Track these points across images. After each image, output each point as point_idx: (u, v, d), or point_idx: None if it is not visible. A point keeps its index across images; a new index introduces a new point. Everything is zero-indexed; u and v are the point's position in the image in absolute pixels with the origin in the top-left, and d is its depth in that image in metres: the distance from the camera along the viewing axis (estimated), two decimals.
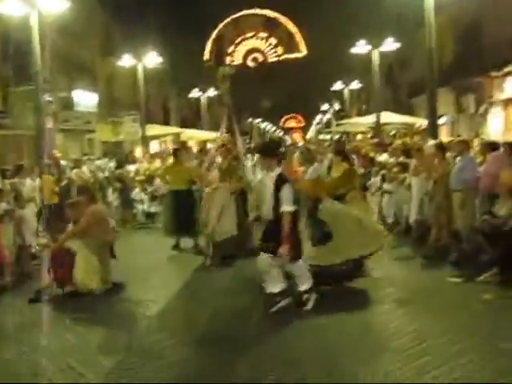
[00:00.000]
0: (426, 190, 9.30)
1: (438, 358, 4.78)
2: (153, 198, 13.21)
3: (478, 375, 4.46)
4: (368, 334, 5.56)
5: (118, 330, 5.97)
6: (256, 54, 19.48)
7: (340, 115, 47.30)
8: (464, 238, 8.21)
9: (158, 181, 13.15)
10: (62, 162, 12.80)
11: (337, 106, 47.34)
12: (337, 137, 34.24)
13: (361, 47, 23.72)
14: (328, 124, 51.90)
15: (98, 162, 14.08)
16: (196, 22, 31.78)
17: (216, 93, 36.99)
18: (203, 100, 35.89)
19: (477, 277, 7.08)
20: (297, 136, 77.04)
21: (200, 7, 30.31)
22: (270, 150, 6.46)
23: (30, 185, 9.93)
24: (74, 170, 11.79)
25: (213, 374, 4.72)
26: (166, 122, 32.30)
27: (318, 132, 62.96)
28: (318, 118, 62.70)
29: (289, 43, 18.70)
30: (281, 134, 72.14)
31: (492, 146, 8.64)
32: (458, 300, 6.46)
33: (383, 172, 11.20)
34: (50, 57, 13.60)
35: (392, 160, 11.23)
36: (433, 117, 13.75)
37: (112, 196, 12.92)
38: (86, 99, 26.35)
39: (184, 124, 34.86)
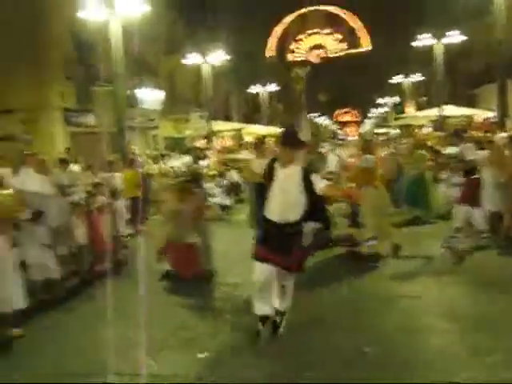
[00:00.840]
0: (498, 182, 9.55)
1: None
2: (227, 191, 13.81)
3: None
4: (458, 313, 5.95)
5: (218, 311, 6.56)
6: (319, 50, 19.72)
7: (398, 109, 47.00)
8: None
9: (229, 174, 13.75)
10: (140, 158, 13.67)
11: (396, 100, 47.02)
12: (394, 131, 34.19)
13: (423, 40, 23.69)
14: (385, 118, 51.62)
15: (177, 159, 14.80)
16: (258, 18, 32.37)
17: (276, 88, 37.67)
18: (263, 95, 36.52)
19: None
20: (351, 130, 76.90)
21: (263, 4, 30.99)
22: (297, 140, 5.32)
23: (119, 178, 10.70)
24: (155, 165, 12.54)
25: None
26: (228, 118, 33.06)
27: (375, 126, 62.61)
28: (374, 111, 62.34)
29: (352, 39, 18.95)
30: (335, 128, 72.12)
31: None
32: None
33: (452, 165, 11.44)
34: (121, 57, 14.33)
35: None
36: (502, 109, 13.76)
37: None
38: (149, 96, 27.38)
39: (244, 119, 35.55)
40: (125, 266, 9.18)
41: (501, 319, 5.57)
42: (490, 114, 24.08)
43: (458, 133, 9.42)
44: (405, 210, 10.94)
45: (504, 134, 11.24)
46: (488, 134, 12.77)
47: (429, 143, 13.23)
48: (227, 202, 13.64)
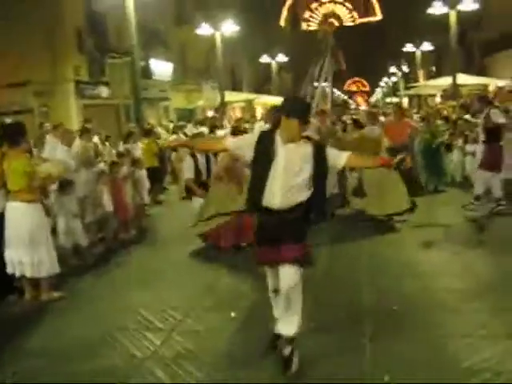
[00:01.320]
0: None
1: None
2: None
3: None
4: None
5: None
6: (332, 19, 19.73)
7: (408, 77, 46.71)
8: None
9: None
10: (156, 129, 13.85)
11: (405, 69, 46.69)
12: (404, 100, 33.96)
13: (438, 8, 23.54)
14: (396, 87, 51.31)
15: (193, 129, 14.93)
16: None
17: (285, 59, 37.51)
18: (272, 66, 36.47)
19: None
20: (360, 100, 76.50)
21: None
22: (305, 109, 4.31)
23: (140, 149, 10.91)
24: (173, 136, 12.73)
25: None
26: (239, 89, 33.07)
27: (384, 95, 62.24)
28: (385, 80, 61.91)
29: (364, 7, 18.93)
30: (345, 97, 71.74)
31: None
32: None
33: (466, 133, 11.57)
34: (135, 29, 14.41)
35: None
36: None
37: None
38: (160, 68, 27.41)
39: (255, 90, 35.52)
40: (148, 233, 9.51)
41: None
42: (502, 83, 24.05)
43: (483, 98, 9.47)
44: (421, 178, 11.08)
45: None
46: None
47: (445, 112, 13.31)
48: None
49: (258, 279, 4.97)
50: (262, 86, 38.26)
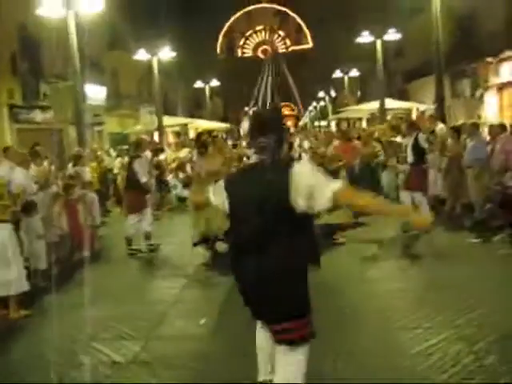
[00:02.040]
0: (440, 167, 10.67)
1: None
2: (185, 184, 14.36)
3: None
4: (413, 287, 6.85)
5: None
6: (266, 46, 20.33)
7: (336, 102, 48.67)
8: (477, 207, 9.60)
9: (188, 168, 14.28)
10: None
11: (333, 93, 48.62)
12: (332, 123, 35.36)
13: (365, 37, 25.08)
14: (324, 111, 53.21)
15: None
16: (204, 16, 32.96)
17: (217, 84, 38.28)
18: (206, 91, 37.18)
19: (493, 237, 8.42)
20: (290, 123, 78.48)
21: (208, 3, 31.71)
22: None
23: (88, 172, 11.10)
24: (118, 159, 12.98)
25: None
26: (173, 113, 33.48)
27: (312, 119, 64.20)
28: (313, 105, 63.93)
29: (296, 35, 19.78)
30: None
31: (502, 128, 9.95)
32: (479, 254, 7.79)
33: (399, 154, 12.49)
34: (76, 54, 14.59)
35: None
36: (440, 101, 14.95)
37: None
38: (94, 92, 27.35)
39: (189, 115, 36.03)
40: (103, 252, 9.71)
41: (449, 284, 6.47)
42: (423, 107, 25.75)
43: (413, 123, 10.40)
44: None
45: (442, 125, 12.39)
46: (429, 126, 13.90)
47: (375, 134, 14.26)
48: (185, 193, 14.18)
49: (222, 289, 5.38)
50: (195, 110, 38.84)
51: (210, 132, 17.46)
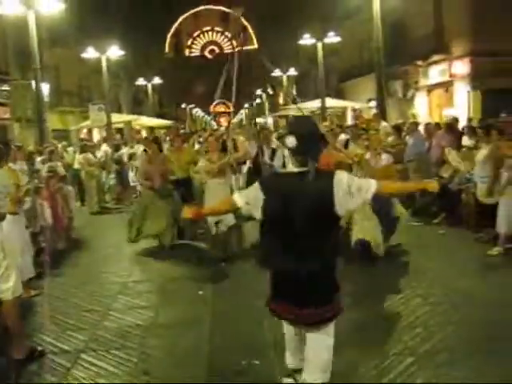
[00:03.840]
0: None
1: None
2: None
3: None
4: None
5: None
6: (213, 47, 21.19)
7: (272, 100, 50.05)
8: (417, 196, 10.94)
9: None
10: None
11: (270, 91, 49.95)
12: (269, 121, 36.57)
13: (306, 39, 26.49)
14: (260, 108, 54.49)
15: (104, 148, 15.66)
16: (152, 16, 33.43)
17: (159, 81, 38.73)
18: (149, 88, 37.67)
19: (432, 221, 9.78)
20: (223, 120, 79.40)
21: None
22: None
23: (60, 166, 11.64)
24: (82, 155, 13.54)
25: None
26: (118, 110, 33.76)
27: (252, 116, 65.25)
28: (249, 103, 65.13)
29: (242, 37, 20.77)
30: (209, 118, 74.08)
31: (436, 126, 11.38)
32: (422, 235, 9.09)
33: None
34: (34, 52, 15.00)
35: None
36: (381, 101, 16.24)
37: (109, 177, 14.75)
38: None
39: (132, 112, 36.35)
40: (81, 242, 10.36)
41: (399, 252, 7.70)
42: (358, 106, 27.38)
43: (399, 127, 11.73)
44: None
45: (385, 123, 13.69)
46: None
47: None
48: None
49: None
50: (137, 107, 39.13)
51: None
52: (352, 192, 3.50)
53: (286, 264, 3.57)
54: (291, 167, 3.65)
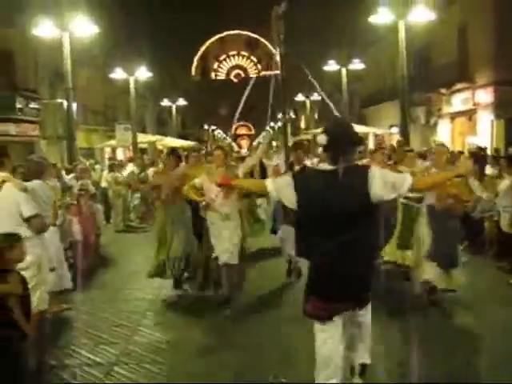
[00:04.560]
0: None
1: None
2: None
3: None
4: None
5: None
6: (238, 71, 21.71)
7: (294, 124, 50.42)
8: None
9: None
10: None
11: (292, 115, 50.34)
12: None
13: (331, 66, 26.92)
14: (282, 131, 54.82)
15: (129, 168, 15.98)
16: (180, 39, 34.26)
17: (184, 103, 39.40)
18: (173, 110, 38.39)
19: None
20: (243, 143, 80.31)
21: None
22: None
23: (91, 184, 11.92)
24: (110, 173, 13.88)
25: None
26: (143, 131, 34.39)
27: (271, 139, 65.67)
28: (271, 125, 65.57)
29: (267, 62, 21.20)
30: (229, 140, 74.75)
31: (459, 154, 11.50)
32: None
33: None
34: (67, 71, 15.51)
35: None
36: (404, 127, 16.37)
37: (134, 196, 15.03)
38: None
39: (157, 132, 36.98)
40: (110, 259, 10.60)
41: None
42: (380, 132, 27.49)
43: (423, 155, 11.88)
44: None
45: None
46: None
47: None
48: None
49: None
50: (162, 128, 39.81)
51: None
52: (389, 183, 3.55)
53: (329, 256, 3.65)
54: (324, 165, 3.73)
